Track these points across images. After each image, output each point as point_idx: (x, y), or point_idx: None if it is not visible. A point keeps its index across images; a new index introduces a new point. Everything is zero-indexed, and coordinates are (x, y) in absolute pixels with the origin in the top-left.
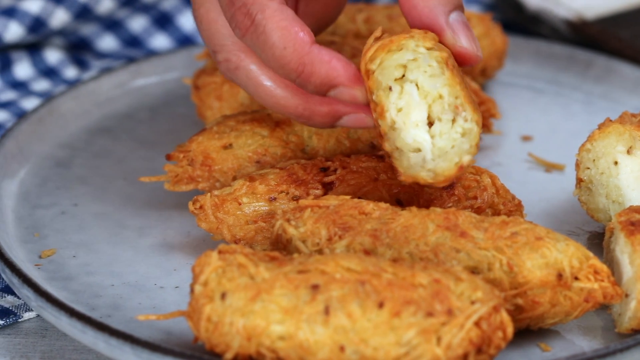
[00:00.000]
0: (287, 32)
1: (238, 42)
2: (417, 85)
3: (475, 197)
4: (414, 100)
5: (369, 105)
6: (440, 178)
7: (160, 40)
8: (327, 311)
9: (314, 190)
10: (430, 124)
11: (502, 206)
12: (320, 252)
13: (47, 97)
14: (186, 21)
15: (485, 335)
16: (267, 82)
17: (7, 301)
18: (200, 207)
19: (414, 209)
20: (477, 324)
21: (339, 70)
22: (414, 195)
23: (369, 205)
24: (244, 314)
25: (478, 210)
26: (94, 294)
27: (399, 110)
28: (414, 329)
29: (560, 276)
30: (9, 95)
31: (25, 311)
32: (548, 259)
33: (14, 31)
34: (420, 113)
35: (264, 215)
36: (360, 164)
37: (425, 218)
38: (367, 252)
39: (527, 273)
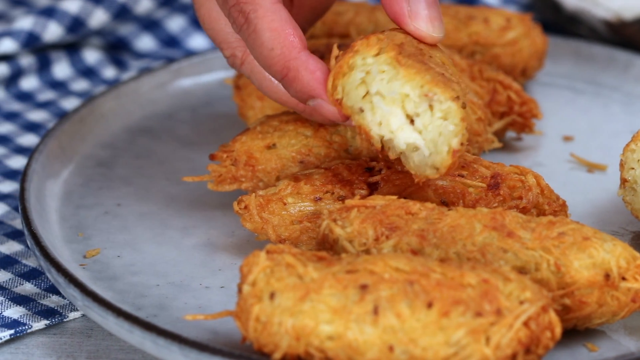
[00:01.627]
0: (277, 34)
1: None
2: (380, 94)
3: (520, 197)
4: (386, 111)
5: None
6: (442, 170)
7: (198, 40)
8: (376, 311)
9: (359, 190)
10: (412, 121)
11: (546, 206)
12: (367, 252)
13: (87, 97)
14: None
15: (533, 335)
16: (270, 77)
17: (52, 301)
18: (245, 207)
19: (460, 209)
20: (525, 324)
21: (321, 81)
22: (459, 195)
23: (415, 206)
24: (293, 313)
25: (523, 211)
26: (139, 293)
27: (380, 124)
28: (462, 329)
29: (607, 276)
30: (48, 95)
31: (71, 311)
32: (595, 259)
33: (53, 31)
34: (398, 118)
35: (309, 216)
36: None
37: (472, 218)
38: (415, 252)
39: (574, 273)
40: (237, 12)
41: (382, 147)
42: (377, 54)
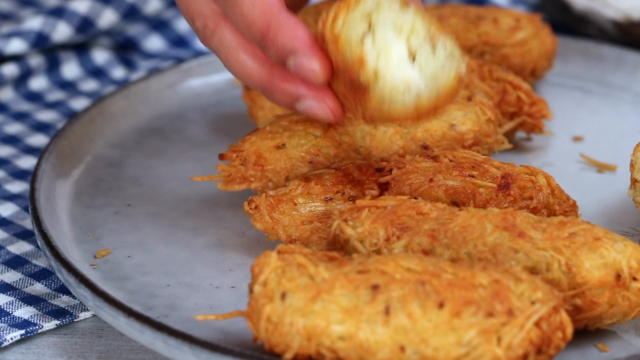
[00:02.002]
0: None
1: (216, 10)
2: (387, 24)
3: (531, 198)
4: (390, 39)
5: (329, 89)
6: (442, 95)
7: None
8: (387, 311)
9: (370, 190)
10: (412, 59)
11: (557, 206)
12: (378, 252)
13: (97, 98)
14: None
15: (545, 335)
16: (238, 50)
17: (63, 301)
18: (256, 207)
19: (471, 209)
20: (537, 324)
21: (304, 38)
22: (470, 196)
23: (426, 206)
24: (304, 314)
25: (534, 211)
26: (150, 294)
27: (378, 55)
28: (474, 329)
29: (618, 277)
30: (57, 95)
31: (81, 311)
32: (606, 260)
33: (62, 31)
34: (400, 49)
35: (320, 216)
36: (416, 165)
37: (483, 218)
38: (426, 253)
39: (585, 273)
40: None
41: (362, 83)
42: None
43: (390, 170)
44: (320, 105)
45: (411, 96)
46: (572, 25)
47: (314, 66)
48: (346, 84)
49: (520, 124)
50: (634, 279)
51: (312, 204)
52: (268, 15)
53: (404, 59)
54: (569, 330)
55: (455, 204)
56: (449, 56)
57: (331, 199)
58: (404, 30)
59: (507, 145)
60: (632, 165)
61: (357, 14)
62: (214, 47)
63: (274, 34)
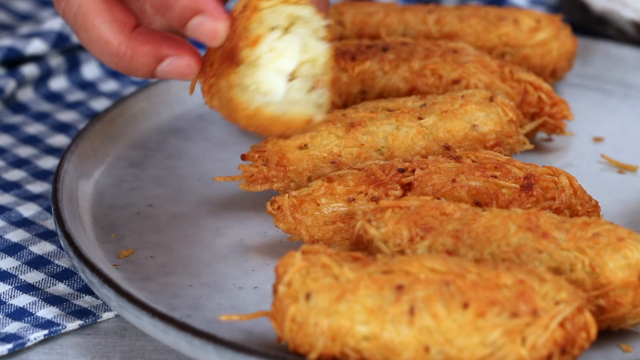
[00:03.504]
0: None
1: None
2: (300, 40)
3: (554, 198)
4: (292, 50)
5: (190, 46)
6: (283, 120)
7: None
8: (412, 311)
9: (393, 191)
10: (290, 78)
11: (579, 207)
12: (401, 252)
13: (118, 98)
14: None
15: (569, 336)
16: (96, 14)
17: (86, 301)
18: (278, 207)
19: (494, 209)
20: (561, 324)
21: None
22: (492, 196)
23: (449, 206)
24: (329, 314)
25: (556, 211)
26: (173, 294)
27: (271, 50)
28: (498, 329)
29: None
30: (77, 95)
31: (104, 311)
32: (630, 260)
33: None
34: (289, 64)
35: (343, 216)
36: (439, 165)
37: (506, 219)
38: (449, 253)
39: (609, 274)
40: None
41: (238, 57)
42: (325, 19)
43: (413, 171)
44: (184, 62)
45: (260, 100)
46: (591, 26)
47: (218, 26)
48: (224, 50)
49: (541, 124)
50: None
51: (335, 205)
52: None
53: (285, 72)
54: (593, 331)
55: (477, 204)
56: (316, 103)
57: (354, 200)
58: (306, 55)
59: (529, 146)
60: None
61: (287, 9)
62: (70, 9)
63: None
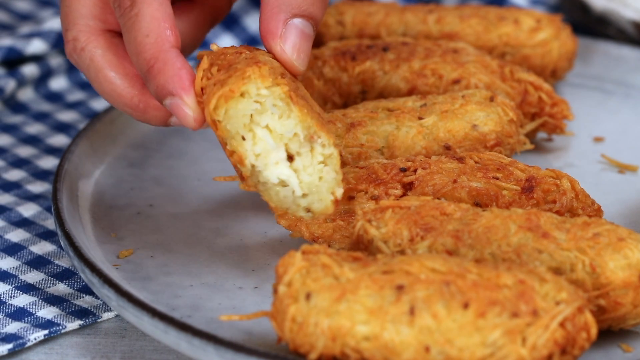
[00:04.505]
0: (157, 24)
1: (92, 25)
2: (268, 128)
3: (554, 201)
4: (270, 145)
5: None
6: (318, 216)
7: (226, 41)
8: (412, 312)
9: (393, 190)
10: (290, 157)
11: (580, 211)
12: (402, 252)
13: None
14: (252, 22)
15: (569, 336)
16: (108, 68)
17: (86, 301)
18: None
19: (495, 209)
20: (562, 324)
21: (184, 81)
22: (493, 198)
23: (450, 206)
24: (329, 314)
25: (557, 214)
26: (173, 294)
27: (257, 155)
28: (499, 329)
29: None
30: (77, 95)
31: (104, 311)
32: (630, 260)
33: None
34: (279, 153)
35: (342, 214)
36: (441, 165)
37: (506, 219)
38: (450, 253)
39: (609, 274)
40: None
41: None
42: (271, 86)
43: (415, 171)
44: (192, 115)
45: (286, 192)
46: (591, 26)
47: (187, 110)
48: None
49: (542, 124)
50: None
51: None
52: (157, 50)
53: (282, 160)
54: (594, 331)
55: (477, 205)
56: (326, 161)
57: (354, 198)
58: (284, 137)
59: (529, 146)
60: None
61: (239, 110)
62: (83, 62)
63: (158, 69)
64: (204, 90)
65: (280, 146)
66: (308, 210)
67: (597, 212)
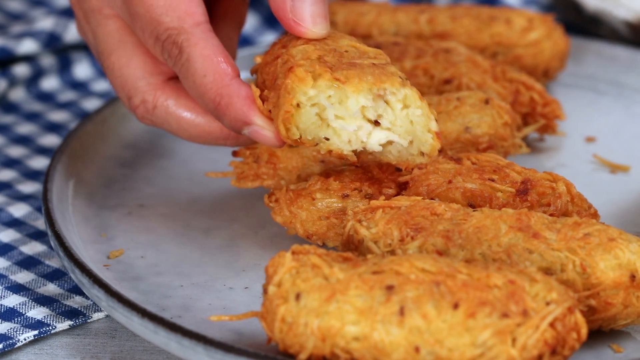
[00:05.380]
0: (210, 61)
1: (152, 82)
2: (339, 117)
3: (549, 204)
4: (351, 129)
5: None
6: (433, 154)
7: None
8: (402, 312)
9: (388, 189)
10: (377, 122)
11: (576, 215)
12: (392, 253)
13: (108, 98)
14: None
15: (560, 336)
16: (186, 112)
17: (76, 302)
18: (276, 200)
19: (485, 209)
20: (552, 325)
21: (254, 108)
22: (487, 199)
23: (440, 206)
24: (319, 314)
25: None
26: (163, 294)
27: (349, 142)
28: (489, 329)
29: (633, 277)
30: (69, 95)
31: (94, 312)
32: (621, 260)
33: (74, 32)
34: (364, 128)
35: (336, 212)
36: (437, 166)
37: (497, 219)
38: (440, 253)
39: (600, 274)
40: (170, 44)
41: (357, 156)
42: (314, 84)
43: (411, 170)
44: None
45: (397, 147)
46: (584, 26)
47: (267, 133)
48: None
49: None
50: None
51: (329, 200)
52: (220, 86)
53: (371, 130)
54: (584, 331)
55: (472, 206)
56: (405, 103)
57: (348, 196)
58: (356, 115)
59: (525, 150)
60: None
61: (306, 119)
62: (159, 118)
63: (225, 105)
64: (269, 114)
65: (360, 123)
66: (422, 153)
67: (594, 216)
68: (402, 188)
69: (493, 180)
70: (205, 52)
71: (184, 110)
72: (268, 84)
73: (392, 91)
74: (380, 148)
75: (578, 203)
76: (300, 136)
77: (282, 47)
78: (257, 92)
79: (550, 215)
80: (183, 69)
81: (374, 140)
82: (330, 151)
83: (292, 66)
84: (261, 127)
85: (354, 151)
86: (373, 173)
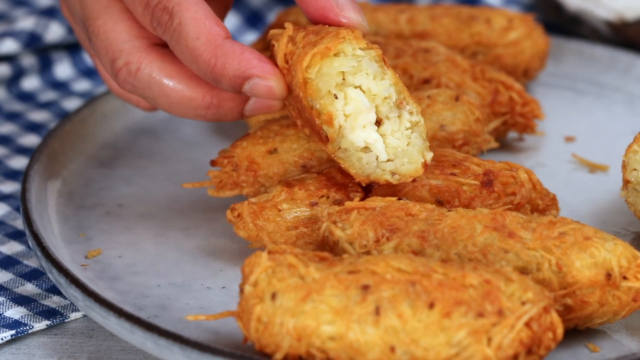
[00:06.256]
0: (201, 23)
1: (136, 45)
2: (361, 89)
3: (514, 193)
4: (363, 105)
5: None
6: (406, 179)
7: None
8: (377, 311)
9: (355, 193)
10: (377, 122)
11: (539, 201)
12: (368, 254)
13: (89, 98)
14: (226, 21)
15: (535, 335)
16: (170, 79)
17: (53, 301)
18: (239, 215)
19: (460, 209)
20: (527, 324)
21: (252, 61)
22: (454, 194)
23: (415, 207)
24: (295, 314)
25: (517, 206)
26: (140, 294)
27: (347, 116)
28: (464, 329)
29: (609, 276)
30: (49, 95)
31: (72, 311)
32: (597, 259)
33: (55, 32)
34: (369, 115)
35: (305, 221)
36: None
37: (472, 219)
38: (415, 254)
39: (576, 273)
40: (160, 10)
41: (327, 136)
42: (366, 48)
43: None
44: (270, 90)
45: (369, 158)
46: (565, 26)
47: (271, 84)
48: (302, 116)
49: (512, 124)
50: (624, 277)
51: (297, 210)
52: (213, 47)
53: (370, 124)
54: (560, 331)
55: (440, 203)
56: (413, 127)
57: (316, 204)
58: (377, 97)
59: (494, 144)
60: (624, 166)
61: (334, 68)
62: (142, 82)
63: (222, 65)
64: (288, 56)
65: (372, 107)
66: (394, 173)
67: (553, 201)
68: (367, 191)
69: (455, 175)
70: (197, 16)
71: (168, 76)
72: (305, 33)
73: (412, 110)
74: (362, 145)
75: (539, 190)
76: (312, 79)
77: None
78: (289, 30)
79: (517, 204)
80: (175, 35)
81: (364, 134)
82: (319, 113)
83: (350, 26)
84: (263, 79)
85: (339, 127)
86: (337, 179)
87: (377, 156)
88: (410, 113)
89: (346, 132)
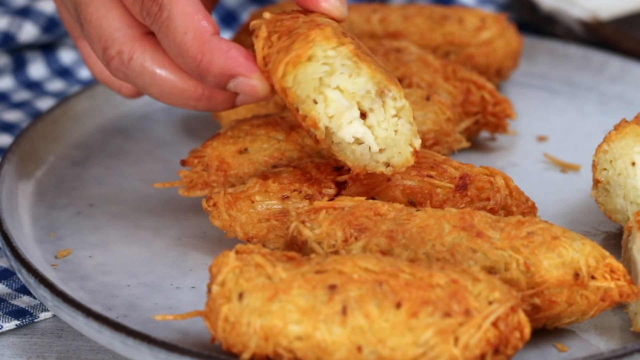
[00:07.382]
0: (190, 18)
1: (130, 33)
2: (339, 89)
3: (488, 199)
4: (343, 105)
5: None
6: (399, 169)
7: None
8: (344, 311)
9: (327, 189)
10: (363, 114)
11: (515, 208)
12: (336, 253)
13: (61, 97)
14: None
15: (502, 335)
16: (162, 68)
17: (23, 301)
18: (214, 204)
19: (429, 209)
20: (494, 324)
21: (238, 59)
22: (427, 196)
23: (384, 207)
24: (262, 314)
25: (491, 212)
26: (110, 294)
27: (330, 117)
28: (431, 329)
29: (577, 275)
30: (23, 95)
31: (41, 311)
32: (565, 259)
33: (29, 31)
34: (352, 112)
35: (277, 214)
36: None
37: (440, 219)
38: (384, 253)
39: (544, 273)
40: (150, 1)
41: (316, 137)
42: (337, 46)
43: (349, 170)
44: (256, 84)
45: (363, 150)
46: (539, 25)
47: (254, 83)
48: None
49: (484, 123)
50: (592, 277)
51: (269, 202)
52: (200, 43)
53: (355, 119)
54: (527, 331)
55: (412, 204)
56: (398, 114)
57: (288, 197)
58: (356, 94)
59: (465, 144)
60: (594, 166)
61: (311, 73)
62: (134, 71)
63: (208, 61)
64: (266, 59)
65: (353, 105)
66: (388, 164)
67: (532, 209)
68: (341, 187)
69: (432, 177)
70: (186, 10)
71: (160, 66)
72: (279, 34)
73: (394, 96)
74: (351, 140)
75: (516, 196)
76: (290, 88)
77: (304, 14)
78: (263, 32)
79: (491, 209)
80: (163, 27)
81: (352, 129)
82: (304, 117)
83: (321, 24)
84: (247, 78)
85: (326, 128)
86: (312, 174)
87: (370, 147)
88: (394, 99)
89: (334, 131)
